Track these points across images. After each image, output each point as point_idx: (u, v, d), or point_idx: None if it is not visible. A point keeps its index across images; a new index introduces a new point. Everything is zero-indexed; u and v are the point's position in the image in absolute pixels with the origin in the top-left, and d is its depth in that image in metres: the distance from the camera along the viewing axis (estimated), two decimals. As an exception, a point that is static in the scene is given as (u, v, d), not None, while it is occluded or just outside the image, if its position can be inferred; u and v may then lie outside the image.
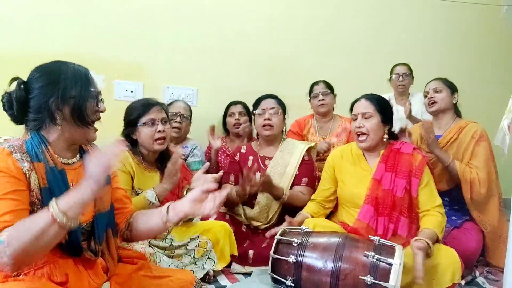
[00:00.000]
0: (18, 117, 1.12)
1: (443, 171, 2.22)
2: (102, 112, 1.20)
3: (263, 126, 2.24)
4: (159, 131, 1.81)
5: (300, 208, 2.08)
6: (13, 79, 1.13)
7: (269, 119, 2.23)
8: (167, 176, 1.81)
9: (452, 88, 2.33)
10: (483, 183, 2.13)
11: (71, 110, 1.11)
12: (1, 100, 1.12)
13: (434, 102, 2.30)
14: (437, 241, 1.71)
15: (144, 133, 1.81)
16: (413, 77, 2.95)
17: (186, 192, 1.82)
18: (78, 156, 1.21)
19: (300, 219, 1.92)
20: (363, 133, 1.88)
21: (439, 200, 1.83)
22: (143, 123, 1.81)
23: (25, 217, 1.00)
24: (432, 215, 1.77)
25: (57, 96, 1.09)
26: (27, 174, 1.04)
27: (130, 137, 1.86)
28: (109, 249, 1.24)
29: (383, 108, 1.91)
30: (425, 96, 2.38)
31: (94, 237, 1.19)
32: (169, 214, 1.15)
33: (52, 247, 1.01)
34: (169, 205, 1.17)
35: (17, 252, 0.92)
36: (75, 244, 1.12)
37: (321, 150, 2.56)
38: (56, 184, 1.09)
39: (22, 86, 1.10)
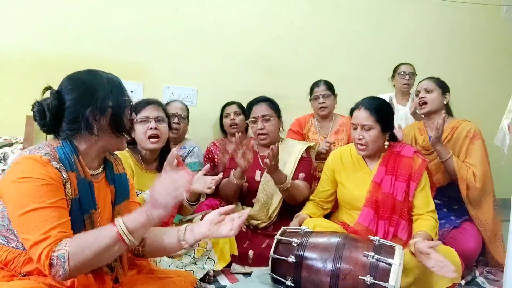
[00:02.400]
0: (50, 127, 1.10)
1: (439, 166, 2.22)
2: (133, 120, 1.20)
3: (258, 135, 2.22)
4: (151, 128, 1.81)
5: (298, 204, 2.09)
6: (46, 89, 1.12)
7: (262, 128, 2.19)
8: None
9: (444, 89, 2.30)
10: (478, 178, 2.13)
11: (109, 120, 1.11)
12: (32, 110, 1.10)
13: (424, 103, 2.28)
14: None
15: (138, 131, 1.82)
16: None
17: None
18: (101, 168, 1.21)
19: (298, 221, 1.92)
20: (362, 144, 1.87)
21: (432, 206, 1.82)
22: (137, 120, 1.82)
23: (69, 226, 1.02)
24: (426, 219, 1.77)
25: (95, 107, 1.09)
26: (65, 185, 1.04)
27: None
28: (121, 262, 1.23)
29: (383, 117, 1.85)
30: (416, 95, 2.36)
31: None
32: (186, 235, 1.17)
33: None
34: (186, 226, 1.19)
35: (77, 266, 0.95)
36: None
37: (323, 150, 2.53)
38: (85, 195, 1.09)
39: (56, 96, 1.08)
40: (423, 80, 2.39)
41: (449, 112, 2.36)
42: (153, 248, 1.24)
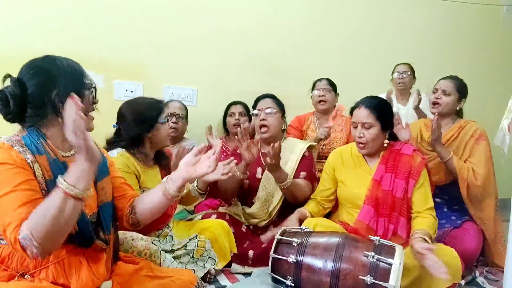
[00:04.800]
0: (15, 115, 1.10)
1: (440, 165, 2.22)
2: (96, 103, 1.21)
3: (260, 127, 2.23)
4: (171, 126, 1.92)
5: (299, 203, 2.08)
6: (6, 77, 1.11)
7: (264, 119, 2.19)
8: (175, 169, 1.85)
9: (462, 94, 2.28)
10: (479, 177, 2.14)
11: None
12: None
13: (437, 104, 2.28)
14: None
15: (164, 130, 1.84)
16: (414, 77, 2.96)
17: None
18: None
19: (298, 216, 1.94)
20: (363, 142, 1.88)
21: (431, 203, 1.82)
22: (164, 121, 1.84)
23: None
24: (425, 217, 1.77)
25: (59, 89, 1.09)
26: (32, 165, 1.04)
27: (141, 137, 1.82)
28: (115, 230, 1.27)
29: (384, 115, 1.87)
30: (434, 92, 2.32)
31: (102, 227, 1.20)
32: (168, 185, 1.22)
33: (74, 223, 1.02)
34: (166, 178, 1.25)
35: (44, 239, 0.93)
36: (86, 234, 1.13)
37: (322, 135, 2.51)
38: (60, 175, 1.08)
39: (17, 83, 1.08)
40: (445, 78, 2.33)
41: (459, 115, 2.35)
42: (144, 211, 1.27)
